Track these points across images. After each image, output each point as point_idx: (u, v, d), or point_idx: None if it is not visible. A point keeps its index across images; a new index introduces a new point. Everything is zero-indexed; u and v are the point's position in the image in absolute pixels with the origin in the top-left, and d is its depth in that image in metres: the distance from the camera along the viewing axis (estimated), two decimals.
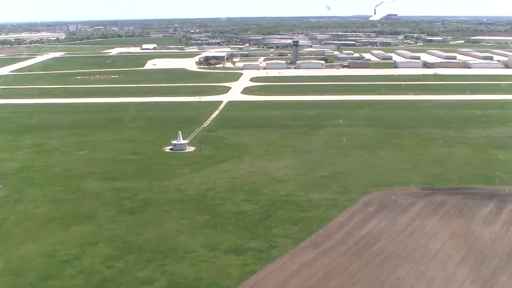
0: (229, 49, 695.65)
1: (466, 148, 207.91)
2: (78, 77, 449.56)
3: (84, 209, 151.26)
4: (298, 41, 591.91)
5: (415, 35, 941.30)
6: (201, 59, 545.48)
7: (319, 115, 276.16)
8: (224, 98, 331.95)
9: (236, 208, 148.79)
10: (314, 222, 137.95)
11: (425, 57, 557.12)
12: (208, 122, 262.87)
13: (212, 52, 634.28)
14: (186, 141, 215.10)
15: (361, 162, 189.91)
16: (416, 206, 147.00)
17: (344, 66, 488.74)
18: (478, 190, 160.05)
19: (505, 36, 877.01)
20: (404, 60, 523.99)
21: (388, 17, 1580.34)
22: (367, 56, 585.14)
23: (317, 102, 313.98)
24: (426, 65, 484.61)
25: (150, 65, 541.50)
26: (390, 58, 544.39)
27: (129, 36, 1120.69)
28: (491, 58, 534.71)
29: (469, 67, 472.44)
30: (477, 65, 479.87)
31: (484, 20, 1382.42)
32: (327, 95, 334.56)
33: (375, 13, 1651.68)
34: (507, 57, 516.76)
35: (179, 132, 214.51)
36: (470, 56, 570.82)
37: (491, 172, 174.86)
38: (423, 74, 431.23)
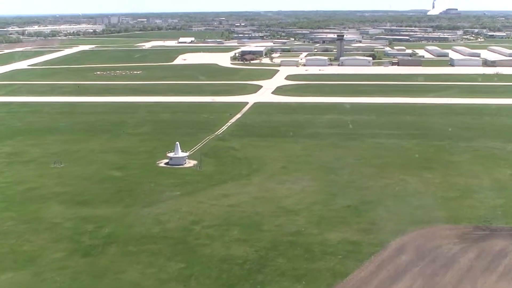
0: (271, 44, 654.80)
1: None
2: (98, 73, 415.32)
3: (28, 247, 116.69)
4: (343, 35, 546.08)
5: (476, 30, 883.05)
6: (237, 54, 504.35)
7: (357, 121, 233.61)
8: (252, 98, 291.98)
9: (223, 252, 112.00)
10: (324, 278, 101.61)
11: (486, 54, 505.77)
12: (224, 128, 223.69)
13: (252, 46, 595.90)
14: (185, 154, 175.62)
15: (399, 188, 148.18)
16: (466, 256, 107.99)
17: (393, 64, 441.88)
18: None
19: None
20: (462, 57, 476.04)
21: (447, 11, 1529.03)
22: (420, 52, 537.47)
23: (357, 105, 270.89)
24: (486, 63, 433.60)
25: (180, 60, 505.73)
26: (446, 55, 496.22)
27: (170, 29, 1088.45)
28: None
29: None
30: None
31: None
32: (371, 97, 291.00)
33: (433, 7, 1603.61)
34: None
35: (177, 143, 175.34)
36: None
37: None
38: (483, 74, 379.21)
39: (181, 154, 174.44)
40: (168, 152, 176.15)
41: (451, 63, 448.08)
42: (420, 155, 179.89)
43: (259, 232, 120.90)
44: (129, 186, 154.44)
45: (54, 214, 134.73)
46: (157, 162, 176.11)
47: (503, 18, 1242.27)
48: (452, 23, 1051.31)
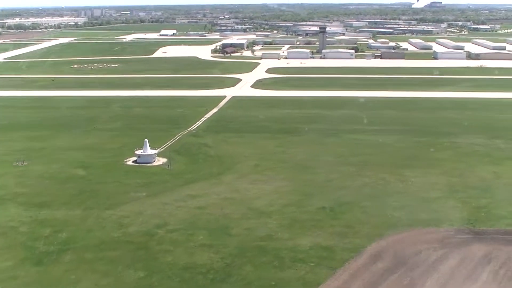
0: (254, 36, 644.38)
1: None
2: (75, 66, 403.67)
3: None
4: (325, 28, 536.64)
5: (460, 23, 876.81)
6: (218, 47, 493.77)
7: (338, 116, 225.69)
8: (230, 92, 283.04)
9: (186, 259, 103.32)
10: None
11: (469, 47, 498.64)
12: (199, 123, 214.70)
13: (234, 39, 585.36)
14: (155, 151, 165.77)
15: (378, 187, 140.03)
16: (447, 263, 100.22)
17: (376, 56, 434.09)
18: None
19: None
20: (446, 50, 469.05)
21: (432, 4, 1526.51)
22: (404, 45, 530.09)
23: (338, 99, 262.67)
24: (470, 56, 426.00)
25: (160, 52, 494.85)
26: (430, 48, 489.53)
27: (153, 21, 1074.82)
28: None
29: None
30: None
31: None
32: (352, 91, 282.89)
33: (418, 0, 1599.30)
34: None
35: (146, 139, 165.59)
36: None
37: None
38: (467, 67, 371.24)
39: (149, 151, 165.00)
40: (137, 150, 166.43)
41: (434, 56, 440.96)
42: (402, 152, 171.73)
43: (227, 237, 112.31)
44: (92, 187, 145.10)
45: (10, 217, 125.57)
46: (125, 160, 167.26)
47: (487, 12, 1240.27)
48: (436, 16, 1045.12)
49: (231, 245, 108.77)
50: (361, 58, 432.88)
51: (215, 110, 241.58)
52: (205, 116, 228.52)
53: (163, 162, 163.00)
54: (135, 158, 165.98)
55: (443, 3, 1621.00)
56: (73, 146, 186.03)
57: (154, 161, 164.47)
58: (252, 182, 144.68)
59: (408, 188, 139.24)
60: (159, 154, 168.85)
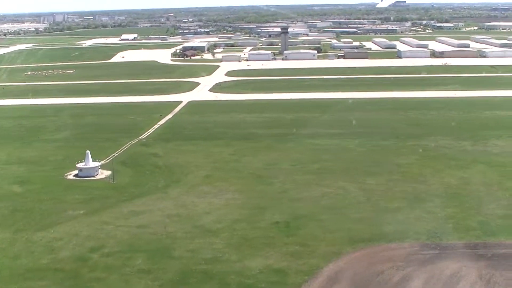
0: (216, 39, 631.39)
1: (488, 170, 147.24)
2: (28, 73, 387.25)
3: None
4: (287, 28, 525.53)
5: (424, 21, 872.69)
6: (178, 50, 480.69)
7: (297, 120, 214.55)
8: (186, 97, 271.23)
9: None
10: None
11: (434, 45, 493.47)
12: (150, 131, 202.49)
13: (195, 42, 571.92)
14: (98, 164, 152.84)
15: (338, 198, 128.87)
16: (412, 285, 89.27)
17: (339, 57, 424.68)
18: None
19: None
20: (410, 49, 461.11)
21: (396, 4, 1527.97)
22: (368, 44, 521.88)
23: (299, 101, 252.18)
24: (434, 54, 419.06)
25: (118, 57, 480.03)
26: (394, 47, 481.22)
27: (115, 26, 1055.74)
28: (510, 46, 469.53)
29: (485, 57, 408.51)
30: (494, 54, 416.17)
31: (499, 5, 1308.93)
32: (313, 92, 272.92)
33: (382, 0, 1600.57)
34: None
35: (88, 151, 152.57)
36: (485, 43, 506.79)
37: None
38: (431, 65, 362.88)
39: (92, 164, 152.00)
40: (78, 163, 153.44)
41: (398, 55, 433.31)
42: (364, 157, 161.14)
43: (168, 260, 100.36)
44: (28, 205, 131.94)
45: None
46: (66, 174, 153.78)
47: (451, 10, 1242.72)
48: (400, 15, 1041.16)
49: (172, 269, 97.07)
50: (324, 58, 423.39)
51: (169, 116, 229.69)
52: (158, 123, 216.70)
53: (106, 175, 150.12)
54: (76, 172, 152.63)
55: (407, 2, 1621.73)
56: (11, 159, 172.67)
57: (97, 174, 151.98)
58: (201, 196, 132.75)
59: (369, 197, 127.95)
60: (103, 166, 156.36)
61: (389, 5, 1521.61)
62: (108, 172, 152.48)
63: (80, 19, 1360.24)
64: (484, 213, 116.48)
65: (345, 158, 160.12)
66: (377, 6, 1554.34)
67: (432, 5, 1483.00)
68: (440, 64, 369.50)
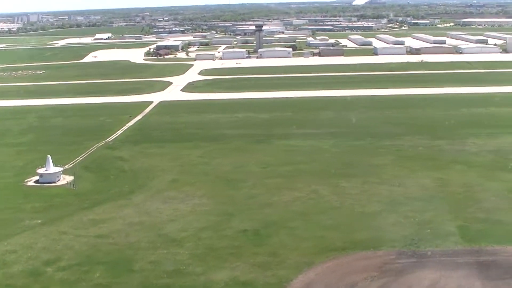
0: (191, 38, 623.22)
1: (467, 170, 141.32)
2: None
3: None
4: (261, 26, 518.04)
5: (400, 18, 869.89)
6: (152, 50, 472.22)
7: (270, 120, 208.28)
8: (158, 97, 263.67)
9: None
10: None
11: (410, 42, 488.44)
12: (119, 133, 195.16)
13: (170, 41, 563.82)
14: (59, 169, 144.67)
15: (310, 202, 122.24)
16: None
17: (315, 54, 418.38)
18: (495, 254, 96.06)
19: (498, 18, 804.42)
20: (386, 45, 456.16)
21: (372, 1, 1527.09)
22: (344, 42, 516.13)
23: (272, 100, 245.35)
24: (411, 51, 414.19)
25: (90, 57, 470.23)
26: (370, 44, 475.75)
27: (90, 26, 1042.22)
28: (485, 42, 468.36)
29: (461, 53, 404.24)
30: (471, 50, 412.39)
31: (474, 1, 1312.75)
32: (287, 91, 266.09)
33: None
34: (504, 40, 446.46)
35: (48, 156, 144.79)
36: (461, 40, 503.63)
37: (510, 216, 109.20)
38: (408, 62, 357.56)
39: (53, 169, 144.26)
40: (39, 168, 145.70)
41: (374, 51, 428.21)
42: (338, 159, 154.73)
43: (128, 274, 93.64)
44: None
45: None
46: (26, 181, 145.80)
47: (427, 7, 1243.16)
48: (376, 12, 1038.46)
49: (132, 284, 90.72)
50: (299, 56, 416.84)
51: (139, 117, 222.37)
52: (127, 124, 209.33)
53: (67, 181, 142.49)
54: (37, 178, 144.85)
55: (383, 0, 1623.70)
56: None
57: (59, 180, 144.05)
58: (166, 202, 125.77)
59: (343, 201, 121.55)
60: (66, 172, 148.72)
61: (365, 3, 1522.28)
62: (71, 178, 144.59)
63: (55, 19, 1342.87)
64: (463, 217, 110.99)
65: (318, 160, 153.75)
66: (353, 3, 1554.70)
67: (408, 2, 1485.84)
68: (416, 60, 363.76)
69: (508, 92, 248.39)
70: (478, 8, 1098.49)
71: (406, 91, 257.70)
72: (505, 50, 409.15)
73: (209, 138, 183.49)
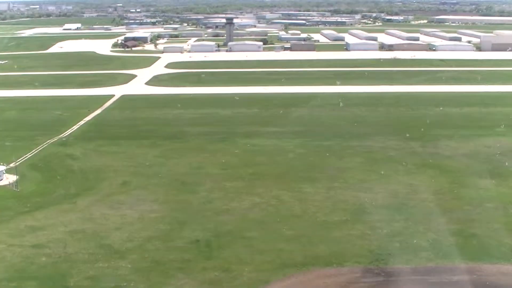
0: (162, 30, 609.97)
1: (439, 176, 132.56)
2: None
3: None
4: (232, 19, 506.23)
5: (374, 14, 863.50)
6: (120, 41, 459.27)
7: (234, 116, 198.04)
8: (120, 90, 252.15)
9: None
10: None
11: (383, 38, 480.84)
12: (74, 128, 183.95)
13: (140, 32, 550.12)
14: (2, 168, 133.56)
15: (270, 210, 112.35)
16: None
17: (286, 49, 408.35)
18: (470, 273, 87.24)
19: (472, 16, 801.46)
20: (359, 41, 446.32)
21: None
22: (316, 36, 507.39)
23: (239, 96, 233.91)
24: (383, 47, 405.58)
25: (56, 48, 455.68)
26: (342, 39, 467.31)
27: (60, 16, 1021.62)
28: (459, 39, 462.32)
29: (434, 50, 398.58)
30: (444, 47, 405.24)
31: None
32: (255, 86, 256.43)
33: None
34: (478, 38, 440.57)
35: None
36: (435, 37, 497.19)
37: (487, 228, 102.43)
38: (380, 58, 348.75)
39: None
40: None
41: (346, 47, 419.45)
42: (302, 161, 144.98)
43: None
44: None
45: None
46: None
47: (400, 3, 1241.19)
48: (350, 8, 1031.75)
49: None
50: (270, 50, 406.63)
51: (98, 111, 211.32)
52: (84, 119, 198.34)
53: (9, 182, 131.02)
54: None
55: None
56: None
57: (1, 179, 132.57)
58: (114, 207, 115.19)
59: (306, 209, 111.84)
60: (10, 171, 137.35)
61: None
62: (14, 178, 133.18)
63: (26, 8, 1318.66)
64: (435, 229, 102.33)
65: (282, 162, 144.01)
66: None
67: None
68: (389, 57, 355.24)
69: (483, 92, 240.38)
70: (452, 6, 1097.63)
71: (377, 88, 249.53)
72: (479, 48, 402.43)
73: (169, 135, 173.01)
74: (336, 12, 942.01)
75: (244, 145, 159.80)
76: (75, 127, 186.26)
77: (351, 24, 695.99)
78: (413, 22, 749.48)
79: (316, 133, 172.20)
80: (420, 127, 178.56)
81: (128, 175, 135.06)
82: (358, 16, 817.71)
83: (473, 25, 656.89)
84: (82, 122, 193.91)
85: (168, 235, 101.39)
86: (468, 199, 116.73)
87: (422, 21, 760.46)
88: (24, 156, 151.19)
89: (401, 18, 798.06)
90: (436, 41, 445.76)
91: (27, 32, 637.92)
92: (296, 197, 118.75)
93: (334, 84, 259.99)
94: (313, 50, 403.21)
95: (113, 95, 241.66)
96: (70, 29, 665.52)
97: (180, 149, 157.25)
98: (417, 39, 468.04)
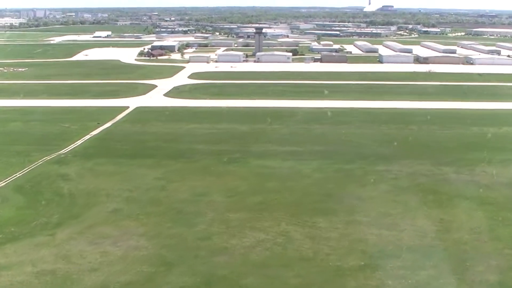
0: (192, 38, 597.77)
1: (476, 210, 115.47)
2: None
3: None
4: (261, 29, 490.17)
5: (410, 26, 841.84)
6: (146, 50, 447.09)
7: (252, 133, 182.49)
8: (136, 102, 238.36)
9: None
10: None
11: (418, 50, 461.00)
12: (78, 143, 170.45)
13: (170, 41, 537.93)
14: None
15: (275, 250, 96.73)
16: None
17: (316, 60, 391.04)
18: None
19: (510, 29, 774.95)
20: (392, 53, 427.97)
21: (383, 8, 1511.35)
22: (349, 48, 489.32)
23: (261, 110, 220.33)
24: (418, 60, 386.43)
25: (81, 55, 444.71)
26: (376, 51, 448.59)
27: (94, 23, 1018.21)
28: (498, 53, 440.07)
29: (472, 63, 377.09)
30: (482, 61, 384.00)
31: (486, 11, 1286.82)
32: (280, 100, 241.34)
33: (369, 4, 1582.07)
34: None
35: None
36: (472, 50, 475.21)
37: None
38: (414, 72, 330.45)
39: None
40: None
41: (380, 59, 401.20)
42: (319, 187, 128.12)
43: None
44: None
45: None
46: None
47: (438, 15, 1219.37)
48: (387, 19, 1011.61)
49: None
50: (299, 61, 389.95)
51: (108, 124, 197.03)
52: (91, 133, 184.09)
53: None
54: None
55: (394, 7, 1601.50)
56: None
57: None
58: (95, 241, 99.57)
59: (318, 250, 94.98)
60: None
61: (377, 9, 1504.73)
62: None
63: (62, 16, 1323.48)
64: (470, 280, 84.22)
65: (296, 188, 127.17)
66: (364, 10, 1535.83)
67: (420, 10, 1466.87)
68: (424, 70, 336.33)
69: None
70: (490, 19, 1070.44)
71: (409, 104, 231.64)
72: None
73: (176, 154, 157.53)
74: (372, 23, 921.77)
75: (257, 167, 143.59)
76: (78, 142, 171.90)
77: (386, 36, 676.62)
78: (450, 35, 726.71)
79: (338, 154, 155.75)
80: (454, 149, 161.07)
81: (121, 201, 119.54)
82: (394, 28, 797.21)
83: None
84: (87, 137, 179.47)
85: (151, 280, 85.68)
86: (510, 240, 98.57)
87: (459, 34, 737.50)
88: (13, 175, 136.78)
89: (438, 30, 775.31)
90: (474, 54, 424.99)
91: (56, 39, 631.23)
92: (308, 233, 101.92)
93: (362, 98, 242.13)
94: (345, 61, 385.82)
95: (128, 107, 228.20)
96: (100, 37, 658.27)
97: (185, 171, 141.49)
98: (454, 51, 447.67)
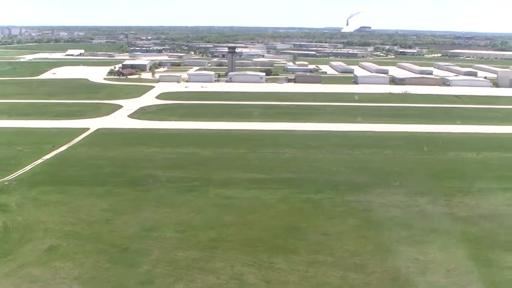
0: (166, 57, 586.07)
1: (453, 246, 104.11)
2: None
3: None
4: (235, 48, 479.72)
5: (387, 47, 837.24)
6: (117, 68, 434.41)
7: (215, 158, 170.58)
8: (97, 123, 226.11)
9: None
10: None
11: (394, 71, 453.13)
12: (26, 168, 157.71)
13: (142, 60, 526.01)
14: None
15: None
16: None
17: (290, 80, 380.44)
18: None
19: (487, 50, 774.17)
20: (368, 74, 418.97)
21: (361, 29, 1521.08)
22: (325, 68, 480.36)
23: (227, 133, 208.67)
24: (394, 81, 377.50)
25: (49, 74, 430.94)
26: (351, 71, 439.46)
27: (69, 41, 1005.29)
28: (475, 74, 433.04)
29: (448, 85, 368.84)
30: (459, 82, 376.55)
31: (463, 33, 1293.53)
32: (248, 122, 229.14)
33: (347, 25, 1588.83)
34: (495, 73, 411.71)
35: None
36: (449, 71, 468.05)
37: None
38: (390, 93, 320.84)
39: None
40: None
41: (355, 80, 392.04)
42: (282, 221, 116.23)
43: None
44: None
45: None
46: None
47: (415, 37, 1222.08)
48: (364, 40, 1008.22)
49: None
50: (273, 81, 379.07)
51: (63, 148, 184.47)
52: (43, 157, 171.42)
53: None
54: None
55: (372, 28, 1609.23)
56: None
57: None
58: (22, 286, 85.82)
59: None
60: None
61: (354, 30, 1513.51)
62: None
63: (38, 33, 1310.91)
64: None
65: (256, 222, 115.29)
66: (342, 30, 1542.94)
67: (397, 32, 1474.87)
68: (400, 91, 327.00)
69: (503, 133, 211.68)
70: (466, 40, 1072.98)
71: (384, 127, 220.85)
72: (496, 84, 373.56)
73: (131, 181, 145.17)
74: (349, 44, 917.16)
75: (216, 197, 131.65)
76: (27, 168, 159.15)
77: (363, 56, 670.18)
78: (427, 56, 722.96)
79: (307, 183, 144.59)
80: (430, 177, 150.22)
81: (60, 237, 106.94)
82: (370, 48, 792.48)
83: (488, 60, 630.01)
84: (39, 161, 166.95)
85: None
86: (490, 284, 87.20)
87: (436, 55, 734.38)
88: None
89: (415, 51, 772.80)
90: (450, 76, 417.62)
91: (27, 57, 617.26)
92: (264, 277, 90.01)
93: (335, 121, 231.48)
94: (319, 82, 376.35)
95: (88, 129, 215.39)
96: (72, 55, 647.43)
97: (138, 201, 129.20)
98: (430, 72, 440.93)
